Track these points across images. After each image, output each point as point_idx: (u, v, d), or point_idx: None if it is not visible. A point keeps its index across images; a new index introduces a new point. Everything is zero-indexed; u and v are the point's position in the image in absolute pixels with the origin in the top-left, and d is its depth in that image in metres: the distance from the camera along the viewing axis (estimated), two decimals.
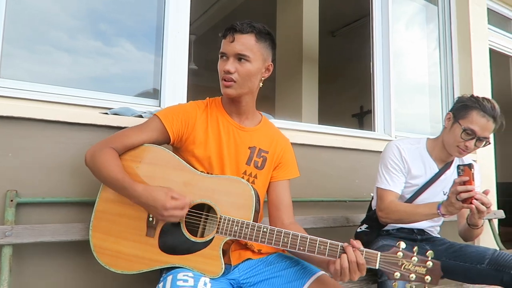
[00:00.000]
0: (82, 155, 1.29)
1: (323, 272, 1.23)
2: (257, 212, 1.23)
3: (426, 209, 1.54)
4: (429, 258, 1.06)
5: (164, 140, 1.33)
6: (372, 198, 1.90)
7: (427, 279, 1.05)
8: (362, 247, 1.10)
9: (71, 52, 1.73)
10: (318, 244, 1.12)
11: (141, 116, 1.62)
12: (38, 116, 1.45)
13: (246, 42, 1.26)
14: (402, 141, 1.80)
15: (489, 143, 1.64)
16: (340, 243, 1.12)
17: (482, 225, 1.59)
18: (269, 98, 3.89)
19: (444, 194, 1.74)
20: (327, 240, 1.13)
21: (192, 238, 1.20)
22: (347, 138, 2.45)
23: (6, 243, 1.31)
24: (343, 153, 2.37)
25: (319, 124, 2.83)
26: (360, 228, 1.85)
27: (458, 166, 1.43)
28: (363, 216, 1.96)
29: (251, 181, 1.35)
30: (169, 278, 1.10)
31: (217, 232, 1.19)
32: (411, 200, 1.74)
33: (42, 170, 1.46)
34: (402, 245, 1.08)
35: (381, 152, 1.83)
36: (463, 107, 1.65)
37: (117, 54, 1.84)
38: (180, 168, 1.27)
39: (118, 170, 1.20)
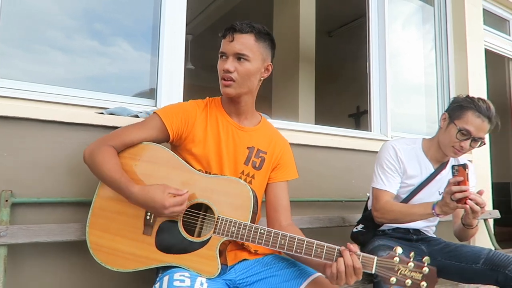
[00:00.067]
0: (78, 155, 1.29)
1: (320, 273, 1.23)
2: (254, 213, 1.23)
3: (421, 209, 1.55)
4: (426, 264, 1.06)
5: (163, 138, 1.32)
6: (368, 198, 1.91)
7: (423, 285, 1.05)
8: (359, 251, 1.10)
9: (67, 51, 1.73)
10: (315, 247, 1.12)
11: (137, 116, 1.61)
12: (34, 116, 1.44)
13: (245, 42, 1.27)
14: (398, 141, 1.81)
15: (484, 144, 1.65)
16: (337, 247, 1.12)
17: (476, 225, 1.60)
18: (266, 98, 3.89)
19: (440, 194, 1.75)
20: (324, 243, 1.13)
21: (189, 238, 1.20)
22: (343, 138, 2.45)
23: (1, 243, 1.30)
24: (339, 153, 2.37)
25: (315, 124, 2.83)
26: (356, 228, 1.85)
27: (453, 166, 1.44)
28: (359, 216, 1.96)
29: (248, 181, 1.35)
30: (166, 278, 1.10)
31: (214, 232, 1.19)
32: (406, 200, 1.75)
33: (38, 170, 1.45)
34: (399, 250, 1.09)
35: (377, 152, 1.84)
36: (458, 107, 1.65)
37: (114, 53, 1.84)
38: (179, 167, 1.27)
39: (116, 169, 1.20)
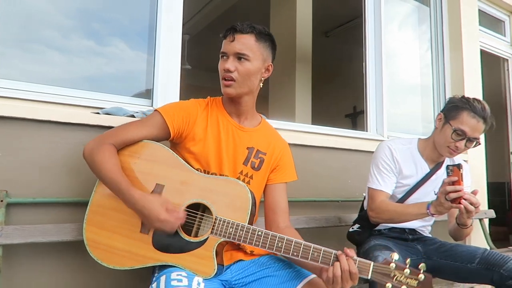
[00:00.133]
0: (75, 155, 1.29)
1: (315, 275, 1.23)
2: (252, 215, 1.23)
3: (415, 208, 1.56)
4: (421, 271, 1.07)
5: (164, 136, 1.32)
6: (364, 198, 1.91)
7: None
8: (355, 256, 1.10)
9: (64, 51, 1.72)
10: (312, 251, 1.13)
11: (133, 116, 1.61)
12: (30, 116, 1.44)
13: (246, 42, 1.28)
14: (393, 141, 1.82)
15: (479, 144, 1.66)
16: (333, 251, 1.12)
17: (471, 225, 1.61)
18: (262, 98, 3.89)
19: (435, 194, 1.75)
20: (321, 247, 1.13)
21: (186, 238, 1.20)
22: (339, 138, 2.46)
23: None
24: (335, 153, 2.38)
25: (312, 124, 2.84)
26: (352, 228, 1.86)
27: (447, 166, 1.45)
28: (355, 216, 1.97)
29: (246, 181, 1.35)
30: (163, 278, 1.10)
31: (211, 232, 1.19)
32: (402, 200, 1.75)
33: (34, 170, 1.45)
34: (395, 256, 1.09)
35: (373, 152, 1.85)
36: (454, 108, 1.66)
37: (110, 53, 1.83)
38: (178, 167, 1.27)
39: (116, 169, 1.20)
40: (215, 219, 1.20)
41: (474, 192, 1.42)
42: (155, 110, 1.33)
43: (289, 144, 1.54)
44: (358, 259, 1.10)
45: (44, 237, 1.37)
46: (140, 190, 1.19)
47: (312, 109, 4.06)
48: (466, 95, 1.70)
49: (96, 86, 1.76)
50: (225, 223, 1.19)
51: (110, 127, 1.53)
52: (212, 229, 1.19)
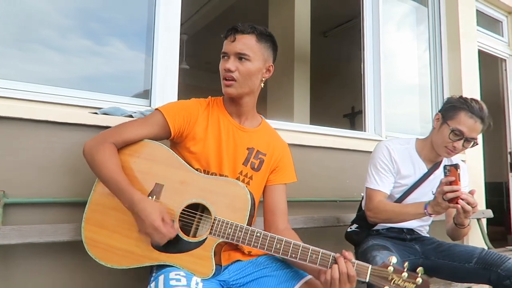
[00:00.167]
0: (72, 155, 1.28)
1: (312, 276, 1.23)
2: (251, 216, 1.23)
3: (413, 208, 1.56)
4: (419, 275, 1.07)
5: (164, 135, 1.32)
6: (363, 198, 1.91)
7: None
8: (353, 259, 1.10)
9: (62, 51, 1.72)
10: (310, 253, 1.13)
11: (131, 116, 1.61)
12: (28, 116, 1.43)
13: (247, 42, 1.29)
14: (391, 141, 1.82)
15: (477, 144, 1.66)
16: (332, 253, 1.12)
17: (468, 225, 1.61)
18: (261, 98, 3.89)
19: (433, 194, 1.76)
20: (319, 249, 1.13)
21: (185, 238, 1.20)
22: (337, 138, 2.46)
23: None
24: (334, 153, 2.38)
25: (310, 124, 2.84)
26: (351, 228, 1.86)
27: (445, 166, 1.45)
28: (353, 216, 1.97)
29: (246, 181, 1.35)
30: (161, 277, 1.10)
31: (210, 233, 1.19)
32: (400, 200, 1.76)
33: (31, 170, 1.44)
34: (393, 259, 1.09)
35: (371, 152, 1.85)
36: (451, 108, 1.67)
37: (108, 53, 1.83)
38: (177, 167, 1.26)
39: (116, 170, 1.19)
40: (214, 219, 1.20)
41: (471, 192, 1.42)
42: (156, 109, 1.33)
43: (288, 144, 1.54)
44: (357, 262, 1.10)
45: (41, 238, 1.36)
46: (140, 192, 1.18)
47: (311, 109, 4.07)
48: (464, 95, 1.71)
49: (94, 86, 1.76)
50: (224, 224, 1.18)
51: (107, 127, 1.52)
52: (211, 229, 1.19)
